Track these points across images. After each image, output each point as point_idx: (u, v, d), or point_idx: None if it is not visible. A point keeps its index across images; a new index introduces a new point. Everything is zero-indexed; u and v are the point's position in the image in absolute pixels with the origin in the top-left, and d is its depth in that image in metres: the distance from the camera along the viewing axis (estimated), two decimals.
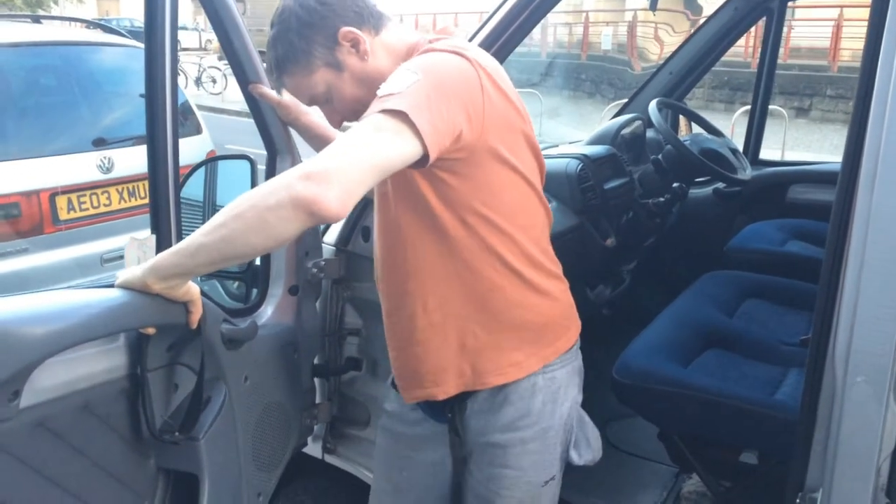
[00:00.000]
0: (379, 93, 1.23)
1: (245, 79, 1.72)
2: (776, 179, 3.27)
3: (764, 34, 3.31)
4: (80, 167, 3.84)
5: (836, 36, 14.27)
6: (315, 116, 1.78)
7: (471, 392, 1.45)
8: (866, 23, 1.33)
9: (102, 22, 7.71)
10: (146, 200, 1.88)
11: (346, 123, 1.47)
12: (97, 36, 4.78)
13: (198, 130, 4.52)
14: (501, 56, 1.85)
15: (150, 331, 1.33)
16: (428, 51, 1.32)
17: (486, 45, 1.84)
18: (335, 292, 2.11)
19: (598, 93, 16.73)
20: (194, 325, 1.37)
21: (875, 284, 1.30)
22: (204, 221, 2.01)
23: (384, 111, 1.17)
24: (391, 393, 1.64)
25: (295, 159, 1.86)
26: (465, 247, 1.36)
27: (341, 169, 1.11)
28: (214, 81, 17.12)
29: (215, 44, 22.58)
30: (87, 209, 3.86)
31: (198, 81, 17.40)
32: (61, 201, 3.73)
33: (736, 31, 3.13)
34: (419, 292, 1.41)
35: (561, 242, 1.64)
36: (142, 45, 1.60)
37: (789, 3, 3.24)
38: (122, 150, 3.98)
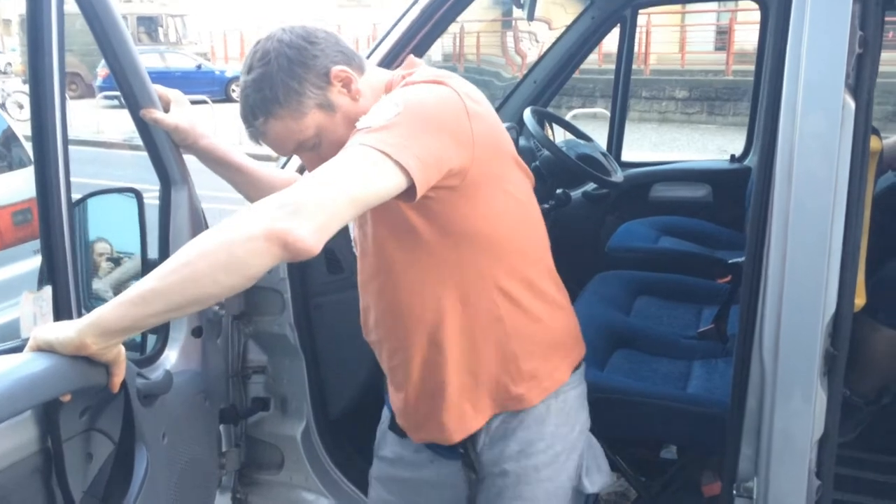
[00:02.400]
0: (358, 125, 1.18)
1: (136, 103, 1.56)
2: (640, 180, 3.43)
3: (619, 41, 3.47)
4: None
5: (647, 42, 15.34)
6: (214, 139, 1.66)
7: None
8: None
9: None
10: None
11: None
12: None
13: (23, 163, 4.08)
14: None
15: (67, 398, 1.16)
16: (408, 84, 1.27)
17: (386, 63, 1.79)
18: (235, 329, 1.96)
19: None
20: (116, 389, 1.20)
21: (798, 276, 1.35)
22: (76, 269, 1.81)
23: (364, 145, 1.11)
24: (388, 437, 1.56)
25: (191, 189, 1.71)
26: (462, 277, 1.31)
27: (318, 202, 1.05)
28: (21, 107, 15.77)
29: (18, 66, 20.82)
30: None
31: (2, 107, 15.95)
32: None
33: (594, 38, 3.25)
34: (420, 331, 1.34)
35: None
36: None
37: (640, 11, 3.41)
38: None
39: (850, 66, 1.30)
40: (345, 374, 2.01)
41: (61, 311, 1.32)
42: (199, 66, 19.95)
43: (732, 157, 3.66)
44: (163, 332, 1.70)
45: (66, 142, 1.30)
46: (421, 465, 1.51)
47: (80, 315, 1.33)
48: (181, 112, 1.62)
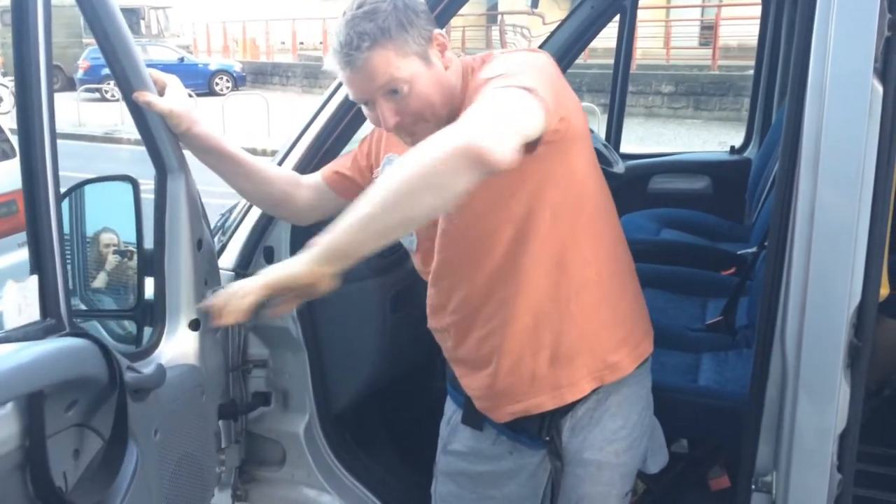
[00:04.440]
0: (484, 75, 1.26)
1: (129, 87, 1.49)
2: (639, 171, 3.41)
3: (619, 31, 3.43)
4: None
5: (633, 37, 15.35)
6: (208, 126, 1.62)
7: (569, 407, 1.43)
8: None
9: None
10: None
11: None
12: None
13: (6, 155, 4.00)
14: None
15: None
16: (504, 54, 1.37)
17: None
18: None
19: None
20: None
21: (824, 266, 1.32)
22: (74, 257, 1.73)
23: (511, 87, 1.17)
24: (459, 432, 1.55)
25: (188, 177, 1.64)
26: (560, 242, 1.35)
27: (500, 123, 1.11)
28: (1, 100, 15.56)
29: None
30: None
31: None
32: None
33: (592, 29, 3.20)
34: (517, 301, 1.37)
35: None
36: None
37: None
38: None
39: (878, 49, 1.26)
40: (348, 367, 1.96)
41: (48, 302, 1.26)
42: (181, 59, 19.72)
43: (732, 148, 3.65)
44: (159, 324, 1.64)
45: (53, 131, 1.23)
46: (499, 458, 1.51)
47: (68, 307, 1.28)
48: (176, 96, 1.56)
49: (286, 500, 1.97)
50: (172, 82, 1.58)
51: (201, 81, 18.61)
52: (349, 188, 1.63)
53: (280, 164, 1.80)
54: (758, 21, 3.65)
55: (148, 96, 1.50)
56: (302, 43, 23.22)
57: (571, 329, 1.38)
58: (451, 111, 1.35)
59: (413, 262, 1.62)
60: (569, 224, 1.35)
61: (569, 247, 1.36)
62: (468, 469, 1.55)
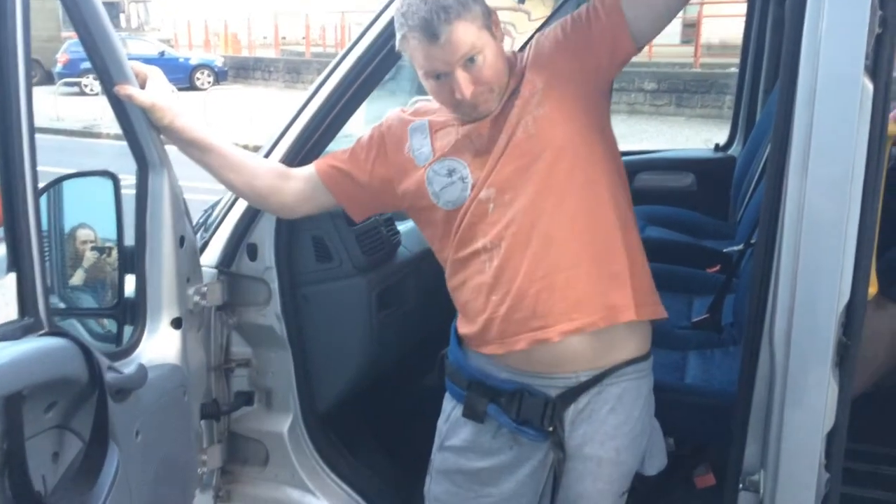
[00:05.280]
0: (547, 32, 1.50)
1: (110, 80, 1.46)
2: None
3: None
4: None
5: None
6: (191, 118, 1.60)
7: (574, 395, 1.46)
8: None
9: None
10: None
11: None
12: None
13: None
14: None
15: None
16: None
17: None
18: (218, 320, 1.88)
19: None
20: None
21: (813, 264, 1.32)
22: (52, 254, 1.69)
23: None
24: (459, 427, 1.55)
25: (170, 172, 1.62)
26: (600, 178, 1.45)
27: None
28: None
29: None
30: None
31: None
32: None
33: None
34: (561, 217, 1.42)
35: None
36: None
37: None
38: None
39: (869, 46, 1.26)
40: (334, 366, 1.94)
41: (26, 300, 1.23)
42: (161, 53, 19.50)
43: (717, 145, 3.65)
44: (140, 322, 1.61)
45: (31, 127, 1.19)
46: (499, 451, 1.52)
47: (47, 305, 1.25)
48: (158, 89, 1.54)
49: (269, 500, 1.95)
50: (154, 74, 1.55)
51: (182, 76, 18.41)
52: (341, 182, 1.61)
53: (266, 156, 1.78)
54: (740, 19, 3.65)
55: (129, 89, 1.48)
56: (284, 38, 23.09)
57: (613, 261, 1.47)
58: (506, 85, 1.46)
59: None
60: (611, 165, 1.51)
61: (609, 189, 1.49)
62: (466, 466, 1.54)
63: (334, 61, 1.80)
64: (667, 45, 16.80)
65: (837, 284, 1.31)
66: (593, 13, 1.44)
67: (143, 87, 1.52)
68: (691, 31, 16.43)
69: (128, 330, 1.64)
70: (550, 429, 1.46)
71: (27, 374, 1.04)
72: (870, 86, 1.26)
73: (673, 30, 17.32)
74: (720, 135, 3.87)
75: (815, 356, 1.34)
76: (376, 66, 1.75)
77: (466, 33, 1.38)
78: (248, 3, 22.67)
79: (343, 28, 20.69)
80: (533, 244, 1.42)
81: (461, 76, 1.40)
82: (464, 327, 1.53)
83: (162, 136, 1.59)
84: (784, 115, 1.34)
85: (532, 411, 1.46)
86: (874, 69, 1.27)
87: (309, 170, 1.65)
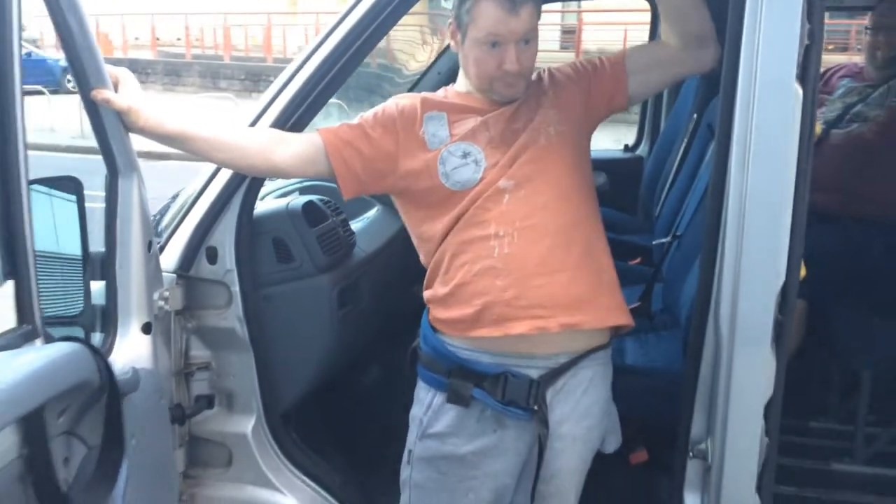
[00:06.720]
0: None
1: (86, 83, 1.45)
2: None
3: None
4: None
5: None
6: (162, 113, 1.58)
7: (554, 377, 1.57)
8: None
9: None
10: None
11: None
12: None
13: None
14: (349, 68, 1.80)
15: None
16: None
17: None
18: (177, 324, 1.87)
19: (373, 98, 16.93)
20: None
21: (755, 250, 1.46)
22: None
23: None
24: (443, 413, 1.59)
25: (140, 179, 1.61)
26: (592, 198, 1.67)
27: None
28: None
29: None
30: None
31: None
32: None
33: None
34: (571, 222, 1.59)
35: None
36: None
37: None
38: None
39: (800, 56, 1.42)
40: (296, 365, 1.97)
41: (24, 308, 1.22)
42: (28, 54, 18.34)
43: (626, 146, 3.87)
44: (111, 328, 1.59)
45: (24, 133, 1.20)
46: (483, 434, 1.57)
47: (41, 313, 1.24)
48: (132, 91, 1.54)
49: (233, 500, 1.95)
50: (125, 76, 1.55)
51: (52, 78, 17.35)
52: (344, 152, 1.62)
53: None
54: (619, 27, 3.84)
55: (106, 93, 1.47)
56: (158, 39, 22.22)
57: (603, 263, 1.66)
58: (530, 80, 1.65)
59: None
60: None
61: (592, 205, 1.70)
62: (451, 451, 1.59)
63: (320, 35, 1.81)
64: (547, 50, 17.35)
65: (775, 268, 1.46)
66: (600, 64, 1.71)
67: (115, 89, 1.51)
68: (570, 37, 17.01)
69: (96, 337, 1.62)
70: (535, 407, 1.55)
71: (50, 385, 1.04)
72: (800, 91, 1.42)
73: (552, 35, 17.93)
74: (605, 139, 4.06)
75: (758, 333, 1.47)
76: (365, 40, 1.77)
77: (533, 17, 1.56)
78: (123, 4, 21.69)
79: (227, 30, 20.18)
80: (546, 241, 1.54)
81: (513, 51, 1.54)
82: (450, 311, 1.58)
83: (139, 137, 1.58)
84: (726, 116, 1.49)
85: (517, 392, 1.54)
86: (803, 76, 1.43)
87: (312, 136, 1.65)
